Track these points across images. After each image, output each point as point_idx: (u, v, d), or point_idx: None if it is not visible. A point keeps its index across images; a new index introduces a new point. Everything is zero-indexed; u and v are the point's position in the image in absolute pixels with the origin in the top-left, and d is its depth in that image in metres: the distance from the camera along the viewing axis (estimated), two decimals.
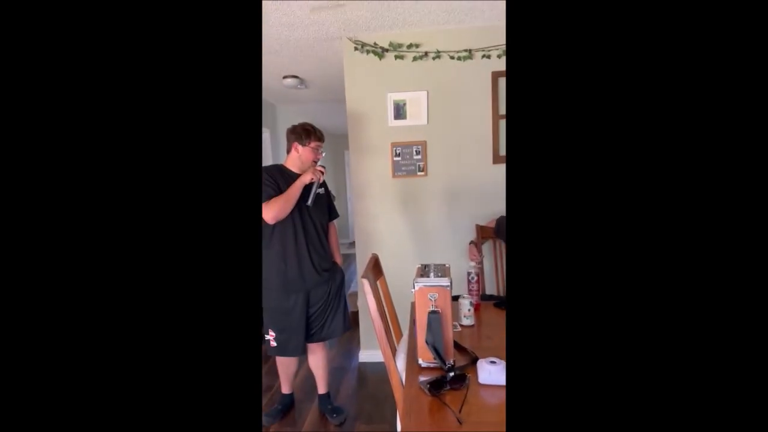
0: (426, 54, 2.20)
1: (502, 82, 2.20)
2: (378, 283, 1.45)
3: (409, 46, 2.19)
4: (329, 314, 1.81)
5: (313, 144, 1.72)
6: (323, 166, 1.71)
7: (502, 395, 0.96)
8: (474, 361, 1.09)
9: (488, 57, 2.18)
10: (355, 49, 2.22)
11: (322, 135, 1.76)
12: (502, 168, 2.26)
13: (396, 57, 2.21)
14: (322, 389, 1.94)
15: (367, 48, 2.21)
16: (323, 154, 1.78)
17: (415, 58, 2.20)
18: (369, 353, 2.47)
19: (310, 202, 1.67)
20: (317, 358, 1.88)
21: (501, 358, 1.04)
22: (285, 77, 2.90)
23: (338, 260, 1.90)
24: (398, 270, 2.31)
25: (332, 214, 1.90)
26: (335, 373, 2.34)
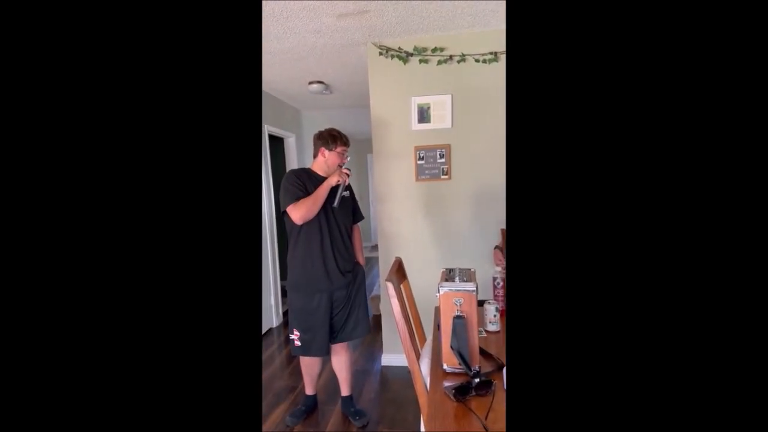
0: (451, 57, 2.19)
1: None
2: (402, 286, 1.45)
3: (434, 50, 2.19)
4: (352, 315, 1.82)
5: (339, 149, 1.76)
6: (349, 169, 1.75)
7: None
8: (500, 367, 1.07)
9: None
10: (380, 54, 2.24)
11: (347, 140, 1.80)
12: None
13: (420, 61, 2.21)
14: (345, 391, 1.95)
15: (392, 53, 2.22)
16: (348, 158, 1.81)
17: (439, 62, 2.20)
18: (392, 357, 2.47)
19: (336, 203, 1.70)
20: (341, 360, 1.90)
21: None
22: (310, 83, 2.95)
23: (361, 261, 1.93)
24: (422, 274, 2.30)
25: (357, 216, 1.93)
26: (358, 375, 2.35)
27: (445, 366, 1.10)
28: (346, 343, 1.88)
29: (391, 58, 2.23)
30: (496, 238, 2.23)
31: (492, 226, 2.26)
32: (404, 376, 2.31)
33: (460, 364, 1.04)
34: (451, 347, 1.05)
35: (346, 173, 1.71)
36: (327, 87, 3.07)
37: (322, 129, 1.80)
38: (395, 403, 2.06)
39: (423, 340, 1.51)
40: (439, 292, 1.09)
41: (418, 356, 1.26)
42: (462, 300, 1.06)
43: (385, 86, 2.28)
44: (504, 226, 2.19)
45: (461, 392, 0.96)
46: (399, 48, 2.21)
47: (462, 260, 2.28)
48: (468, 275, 1.15)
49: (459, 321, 1.05)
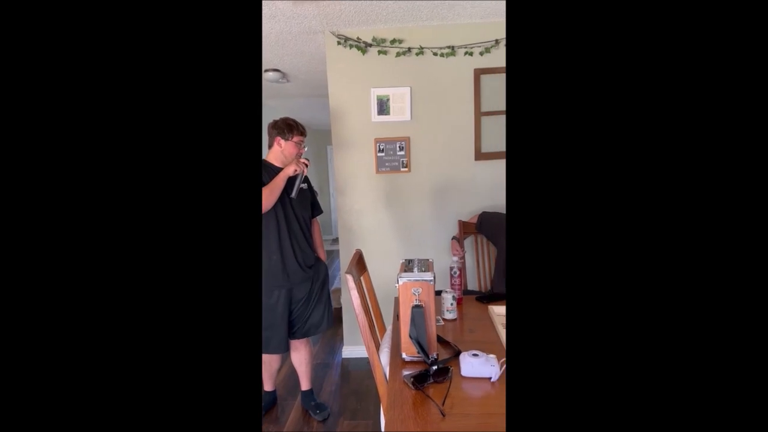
0: (409, 50, 2.20)
1: (485, 79, 2.22)
2: (362, 278, 1.45)
3: (393, 41, 2.19)
4: (312, 310, 1.80)
5: (295, 138, 1.71)
6: (307, 159, 1.71)
7: (485, 387, 0.98)
8: (457, 354, 1.11)
9: (471, 54, 2.19)
10: (338, 43, 2.20)
11: (304, 130, 1.76)
12: (484, 165, 2.29)
13: (379, 52, 2.20)
14: (305, 385, 1.93)
15: (350, 43, 2.19)
16: (305, 149, 1.77)
17: (398, 54, 2.20)
18: (352, 349, 2.47)
19: (294, 194, 1.66)
20: (300, 355, 1.87)
21: (483, 351, 1.05)
22: (266, 70, 2.85)
23: (322, 256, 1.90)
24: (383, 265, 2.31)
25: (315, 210, 1.89)
26: (318, 369, 2.34)
27: (404, 355, 1.11)
28: (306, 338, 1.85)
29: (350, 48, 2.20)
30: (454, 229, 2.29)
31: (450, 218, 2.32)
32: (365, 367, 2.32)
33: (418, 352, 1.06)
34: (410, 336, 1.07)
35: (304, 163, 1.67)
36: (284, 75, 2.97)
37: (278, 118, 1.75)
38: (357, 394, 2.07)
39: (383, 330, 1.53)
40: (398, 282, 1.10)
41: (377, 347, 1.27)
42: (420, 290, 1.08)
43: (344, 76, 2.25)
44: (461, 218, 2.25)
45: (419, 380, 0.98)
46: (357, 38, 2.19)
47: (421, 251, 2.32)
48: (426, 266, 1.17)
49: (417, 310, 1.06)
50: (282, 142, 1.70)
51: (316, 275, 1.81)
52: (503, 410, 0.88)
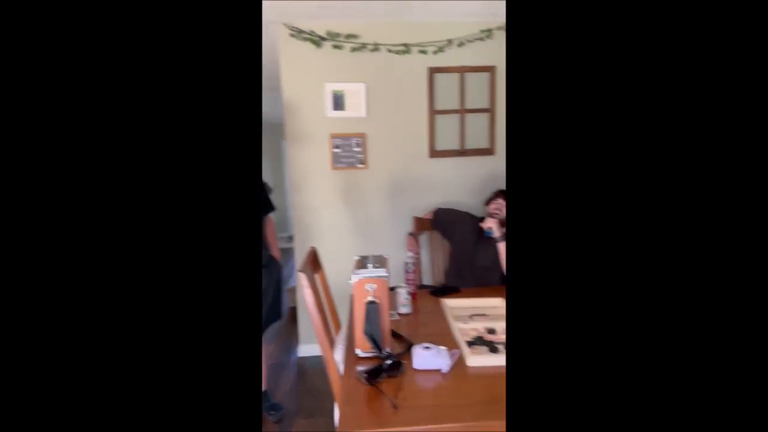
0: (364, 45, 2.19)
1: (438, 77, 2.27)
2: (317, 276, 1.43)
3: (348, 36, 2.17)
4: (265, 308, 1.75)
5: None
6: None
7: (436, 378, 1.01)
8: (410, 347, 1.13)
9: (425, 53, 2.23)
10: (291, 35, 2.15)
11: None
12: (438, 162, 2.34)
13: (334, 47, 2.17)
14: None
15: (304, 35, 2.14)
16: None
17: (353, 49, 2.18)
18: (308, 347, 2.44)
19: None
20: None
21: (435, 344, 1.08)
22: None
23: (276, 254, 1.85)
24: (339, 262, 2.30)
25: (267, 207, 1.83)
26: (274, 369, 2.29)
27: (358, 351, 1.12)
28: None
29: (304, 41, 2.15)
30: (410, 225, 2.33)
31: (406, 214, 2.35)
32: (321, 365, 2.30)
33: (372, 348, 1.07)
34: (364, 332, 1.07)
35: None
36: None
37: None
38: (312, 392, 2.05)
39: (338, 327, 1.52)
40: (352, 279, 1.10)
41: (332, 344, 1.26)
42: (375, 286, 1.09)
43: (298, 70, 2.20)
44: (416, 214, 2.29)
45: (372, 375, 0.99)
46: (312, 31, 2.14)
47: (378, 247, 2.34)
48: (381, 262, 1.18)
49: (371, 306, 1.07)
50: None
51: (269, 275, 1.76)
52: (454, 401, 0.91)
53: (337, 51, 2.18)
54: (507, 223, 0.59)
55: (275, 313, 1.81)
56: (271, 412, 1.83)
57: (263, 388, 1.89)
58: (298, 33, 2.14)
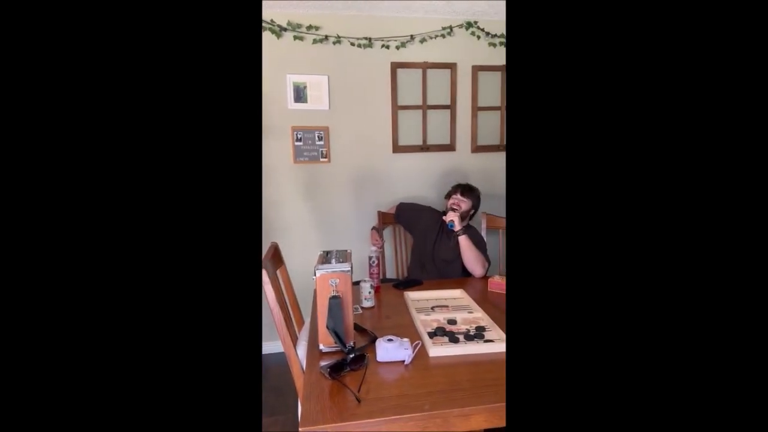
0: (326, 38, 2.15)
1: (401, 73, 2.28)
2: (279, 272, 1.41)
3: (309, 27, 2.12)
4: None
5: None
6: None
7: (399, 370, 1.03)
8: (373, 340, 1.14)
9: (387, 47, 2.23)
10: None
11: None
12: (400, 157, 2.36)
13: (295, 38, 2.12)
14: None
15: (264, 24, 2.07)
16: None
17: (315, 41, 2.14)
18: (271, 345, 2.40)
19: None
20: None
21: (398, 336, 1.10)
22: None
23: None
24: (303, 257, 2.27)
25: None
26: None
27: (321, 346, 1.11)
28: None
29: (263, 31, 2.09)
30: (373, 219, 2.33)
31: (370, 208, 2.35)
32: (284, 362, 2.27)
33: (335, 342, 1.07)
34: (327, 327, 1.07)
35: None
36: None
37: None
38: (274, 390, 2.02)
39: (301, 323, 1.51)
40: (315, 274, 1.09)
41: (294, 341, 1.25)
42: (338, 281, 1.08)
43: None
44: (380, 208, 2.30)
45: (336, 369, 0.99)
46: (271, 20, 2.08)
47: (342, 242, 2.33)
48: (344, 256, 1.17)
49: (335, 301, 1.07)
50: None
51: None
52: (416, 390, 0.93)
53: (298, 42, 2.14)
54: (507, 223, 0.60)
55: None
56: None
57: None
58: None
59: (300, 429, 0.82)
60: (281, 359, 2.29)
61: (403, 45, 2.24)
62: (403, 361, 1.05)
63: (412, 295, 1.53)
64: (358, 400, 0.90)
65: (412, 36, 2.24)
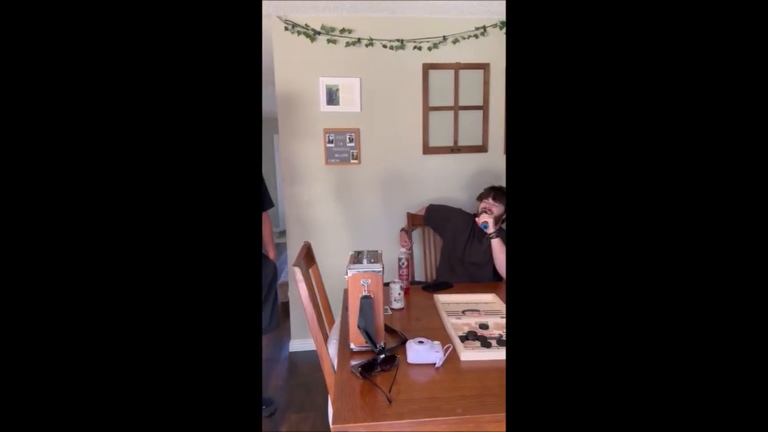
0: (359, 40, 2.18)
1: (433, 74, 2.27)
2: (311, 271, 1.43)
3: (342, 30, 2.15)
4: (264, 315, 1.72)
5: None
6: None
7: (430, 373, 1.02)
8: (403, 342, 1.14)
9: (419, 49, 2.23)
10: (286, 29, 2.13)
11: None
12: (431, 158, 2.35)
13: (328, 41, 2.16)
14: None
15: (299, 29, 2.12)
16: None
17: (347, 44, 2.17)
18: (300, 342, 2.45)
19: None
20: None
21: (429, 338, 1.09)
22: None
23: (271, 254, 1.82)
24: (332, 257, 2.30)
25: (265, 203, 1.78)
26: (265, 364, 2.28)
27: (352, 345, 1.12)
28: None
29: (298, 35, 2.14)
30: (403, 221, 2.33)
31: (399, 210, 2.35)
32: (313, 360, 2.31)
33: (366, 342, 1.07)
34: (358, 326, 1.08)
35: None
36: None
37: None
38: (304, 387, 2.05)
39: (331, 322, 1.53)
40: (347, 274, 1.10)
41: (326, 339, 1.27)
42: (369, 281, 1.09)
43: (292, 64, 2.18)
44: (409, 210, 2.29)
45: (367, 369, 1.00)
46: (306, 25, 2.13)
47: (370, 243, 2.34)
48: (375, 257, 1.18)
49: (366, 301, 1.08)
50: None
51: (263, 275, 1.73)
52: (447, 394, 0.92)
53: (331, 45, 2.17)
54: (507, 223, 0.59)
55: (274, 321, 1.77)
56: (263, 407, 1.83)
57: None
58: (292, 27, 2.12)
59: (332, 427, 0.83)
60: (310, 357, 2.33)
61: (435, 46, 2.23)
62: (434, 364, 1.04)
63: (442, 298, 1.51)
64: (390, 401, 0.90)
65: (444, 37, 2.22)
